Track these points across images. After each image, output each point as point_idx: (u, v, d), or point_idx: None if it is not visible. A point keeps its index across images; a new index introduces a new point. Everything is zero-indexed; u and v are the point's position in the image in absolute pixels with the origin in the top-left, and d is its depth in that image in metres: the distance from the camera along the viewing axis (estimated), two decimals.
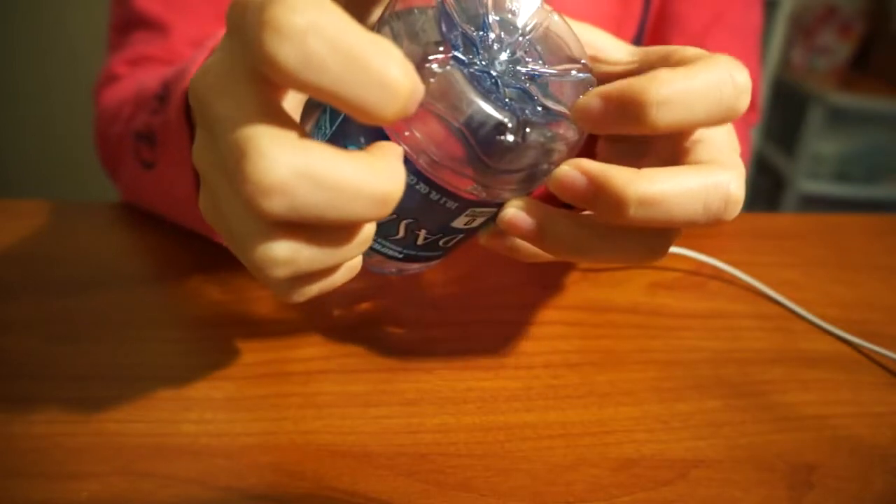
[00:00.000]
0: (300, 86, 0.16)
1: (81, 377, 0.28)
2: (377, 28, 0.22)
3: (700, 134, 0.23)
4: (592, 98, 0.21)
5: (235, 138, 0.17)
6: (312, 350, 0.31)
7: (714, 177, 0.21)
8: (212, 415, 0.26)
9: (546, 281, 0.38)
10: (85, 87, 0.66)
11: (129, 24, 0.47)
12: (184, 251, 0.38)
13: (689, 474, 0.25)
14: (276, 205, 0.16)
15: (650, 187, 0.20)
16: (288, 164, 0.16)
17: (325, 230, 0.18)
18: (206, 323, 0.32)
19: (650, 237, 0.23)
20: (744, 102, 0.21)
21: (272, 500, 0.23)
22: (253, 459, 0.25)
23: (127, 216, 0.43)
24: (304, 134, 0.17)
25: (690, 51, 0.24)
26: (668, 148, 0.25)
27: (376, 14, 0.24)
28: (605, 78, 0.27)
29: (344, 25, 0.16)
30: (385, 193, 0.17)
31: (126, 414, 0.26)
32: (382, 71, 0.16)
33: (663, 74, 0.20)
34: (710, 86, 0.21)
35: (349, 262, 0.21)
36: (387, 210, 0.18)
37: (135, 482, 0.23)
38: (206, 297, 0.34)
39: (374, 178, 0.17)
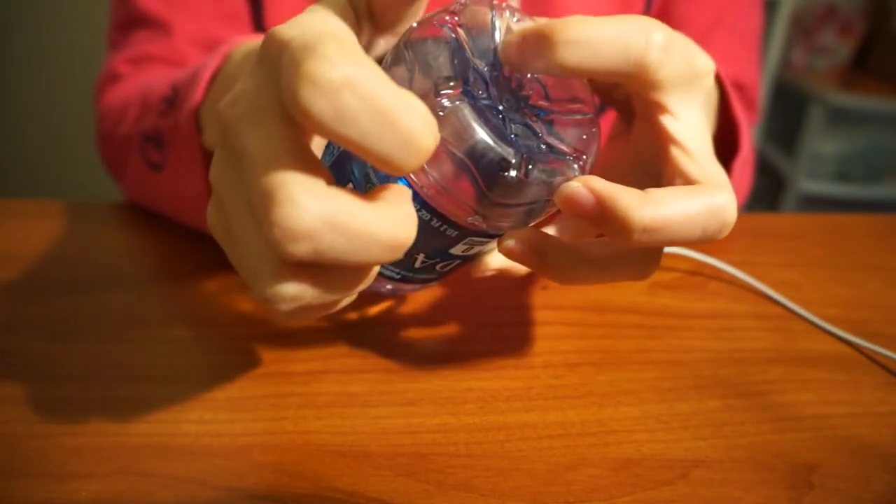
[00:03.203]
0: (330, 136, 0.17)
1: (81, 377, 0.28)
2: (392, 57, 0.22)
3: (681, 138, 0.24)
4: (515, 37, 0.21)
5: (266, 181, 0.17)
6: (312, 350, 0.31)
7: (713, 200, 0.22)
8: (212, 415, 0.26)
9: (546, 281, 0.38)
10: (85, 86, 0.66)
11: (131, 22, 0.47)
12: (184, 251, 0.38)
13: (689, 474, 0.25)
14: (300, 250, 0.17)
15: (655, 214, 0.21)
16: (316, 211, 0.17)
17: (334, 270, 0.19)
18: (206, 323, 0.32)
19: (641, 262, 0.24)
20: (652, 55, 0.21)
21: (272, 500, 0.23)
22: (253, 459, 0.25)
23: (127, 216, 0.43)
24: (330, 179, 0.18)
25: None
26: (645, 142, 0.26)
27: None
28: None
29: (376, 81, 0.16)
30: (400, 240, 0.18)
31: (126, 414, 0.26)
32: (409, 128, 0.17)
33: (578, 17, 0.21)
34: (618, 35, 0.21)
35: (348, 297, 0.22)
36: (398, 255, 0.18)
37: (135, 482, 0.23)
38: (206, 296, 0.34)
39: (392, 225, 0.18)
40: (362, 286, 0.21)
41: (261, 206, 0.17)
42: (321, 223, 0.17)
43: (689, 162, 0.23)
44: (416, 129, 0.17)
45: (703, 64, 0.24)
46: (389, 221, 0.18)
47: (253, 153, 0.18)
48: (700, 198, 0.22)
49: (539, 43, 0.21)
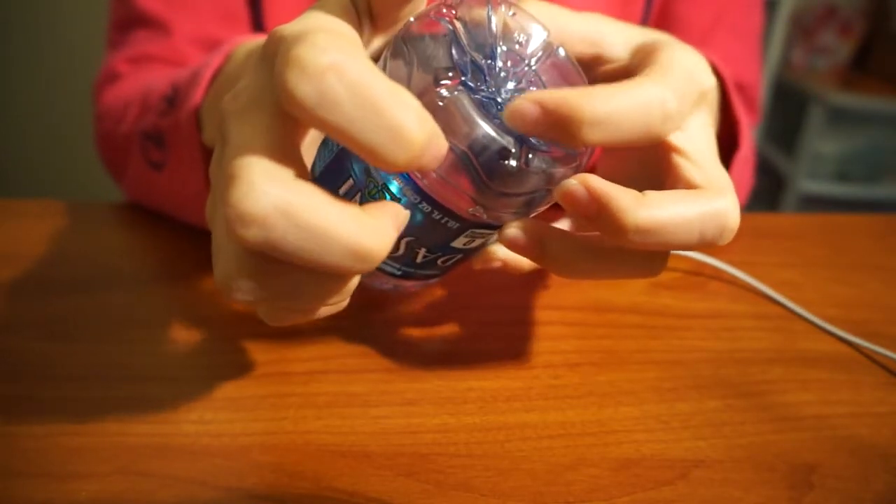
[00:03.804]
0: (315, 123, 0.16)
1: (81, 377, 0.28)
2: (390, 51, 0.22)
3: (682, 145, 0.24)
4: (528, 104, 0.20)
5: (233, 163, 0.17)
6: (312, 350, 0.31)
7: (712, 205, 0.22)
8: (212, 415, 0.26)
9: (546, 281, 0.38)
10: (85, 86, 0.66)
11: (130, 21, 0.47)
12: (184, 251, 0.38)
13: (689, 474, 0.25)
14: (251, 235, 0.16)
15: (649, 216, 0.21)
16: (272, 198, 0.16)
17: (299, 272, 0.18)
18: (207, 323, 0.32)
19: (647, 259, 0.24)
20: (668, 127, 0.22)
21: (272, 500, 0.23)
22: (253, 459, 0.25)
23: (127, 216, 0.43)
24: (305, 176, 0.18)
25: (664, 55, 0.24)
26: (645, 147, 0.25)
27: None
28: (602, 77, 0.27)
29: (366, 71, 0.16)
30: (365, 248, 0.17)
31: (126, 414, 0.26)
32: (397, 118, 0.16)
33: (598, 92, 0.21)
34: (637, 110, 0.21)
35: (328, 305, 0.21)
36: (367, 266, 0.18)
37: (135, 482, 0.23)
38: (205, 297, 0.34)
39: (358, 231, 0.17)
40: (336, 298, 0.20)
41: (221, 186, 0.17)
42: (274, 210, 0.16)
43: (691, 167, 0.23)
44: (406, 123, 0.16)
45: (706, 83, 0.24)
46: (355, 226, 0.17)
47: (234, 141, 0.18)
48: (699, 202, 0.22)
49: (561, 120, 0.20)
